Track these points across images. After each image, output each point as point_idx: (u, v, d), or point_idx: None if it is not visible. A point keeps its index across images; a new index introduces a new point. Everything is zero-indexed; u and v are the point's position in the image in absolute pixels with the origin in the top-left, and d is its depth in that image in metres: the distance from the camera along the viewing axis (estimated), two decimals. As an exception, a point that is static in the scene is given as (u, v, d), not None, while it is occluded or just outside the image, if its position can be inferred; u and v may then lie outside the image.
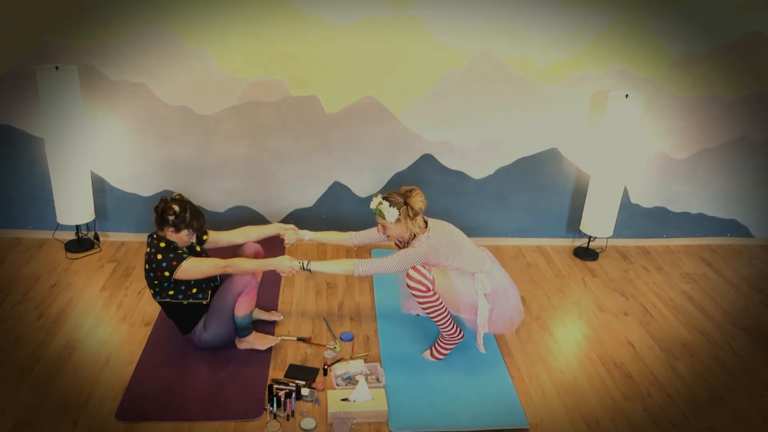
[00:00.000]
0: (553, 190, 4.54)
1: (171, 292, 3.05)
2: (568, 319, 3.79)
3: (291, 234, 3.40)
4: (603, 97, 4.23)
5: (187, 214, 2.98)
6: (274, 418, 2.85)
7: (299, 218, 4.41)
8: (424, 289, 3.01)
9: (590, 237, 4.56)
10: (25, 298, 3.63)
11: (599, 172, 4.26)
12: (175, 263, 2.96)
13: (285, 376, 3.11)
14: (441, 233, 3.10)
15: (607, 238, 4.55)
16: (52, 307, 3.56)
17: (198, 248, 3.22)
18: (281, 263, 3.10)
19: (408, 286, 3.03)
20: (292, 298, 3.79)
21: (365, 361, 3.26)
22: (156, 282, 3.02)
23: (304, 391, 2.97)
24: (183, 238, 3.02)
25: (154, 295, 3.09)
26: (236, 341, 3.26)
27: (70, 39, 3.82)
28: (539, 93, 4.22)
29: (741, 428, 3.00)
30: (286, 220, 4.41)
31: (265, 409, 2.88)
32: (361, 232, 3.42)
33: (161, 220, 3.00)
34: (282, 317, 3.56)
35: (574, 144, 4.41)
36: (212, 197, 4.33)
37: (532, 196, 4.54)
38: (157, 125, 4.09)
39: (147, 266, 3.02)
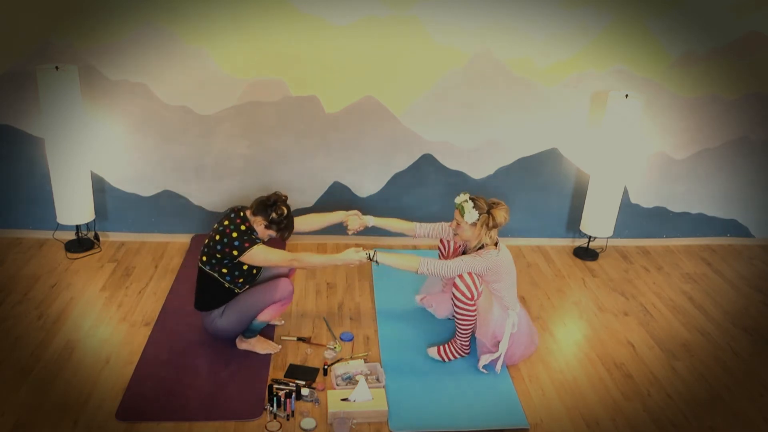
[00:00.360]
0: (553, 190, 4.54)
1: (224, 270, 3.05)
2: (568, 319, 3.79)
3: (354, 219, 3.41)
4: (603, 97, 4.23)
5: (286, 222, 3.04)
6: (274, 418, 2.85)
7: (299, 218, 4.42)
8: (468, 296, 3.06)
9: (590, 237, 4.56)
10: (25, 298, 3.63)
11: (599, 172, 4.26)
12: (247, 245, 2.98)
13: (285, 376, 3.11)
14: (507, 257, 3.15)
15: (607, 238, 4.55)
16: (52, 307, 3.56)
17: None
18: (349, 256, 3.10)
19: (455, 285, 3.07)
20: (292, 298, 3.79)
21: (365, 361, 3.26)
22: (218, 255, 3.01)
23: (304, 391, 2.97)
24: (265, 234, 3.07)
25: (205, 264, 3.07)
26: (238, 340, 3.26)
27: (70, 39, 3.82)
28: (539, 93, 4.22)
29: (741, 428, 3.00)
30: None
31: (265, 409, 2.88)
32: (426, 225, 3.44)
33: (263, 209, 3.02)
34: (283, 322, 3.56)
35: (574, 144, 4.41)
36: (212, 197, 4.33)
37: (532, 196, 4.54)
38: (157, 125, 4.09)
39: (217, 237, 3.01)
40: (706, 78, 4.29)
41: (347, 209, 4.38)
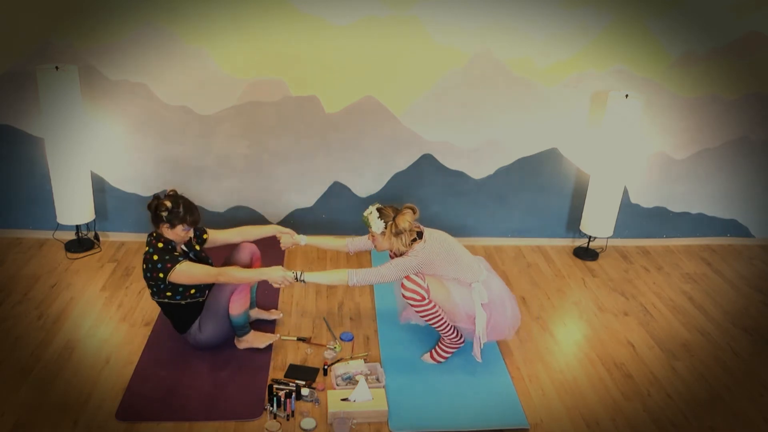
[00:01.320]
0: (553, 190, 4.54)
1: (168, 293, 3.05)
2: (568, 319, 3.79)
3: (287, 238, 3.40)
4: (603, 97, 4.23)
5: (180, 209, 2.97)
6: (274, 418, 2.85)
7: (299, 218, 4.42)
8: (419, 298, 3.00)
9: (590, 237, 4.56)
10: (25, 298, 3.63)
11: (599, 172, 4.26)
12: (169, 266, 2.95)
13: (285, 376, 3.11)
14: (436, 244, 3.09)
15: (607, 238, 4.55)
16: (52, 307, 3.56)
17: (197, 247, 3.23)
18: (274, 273, 3.04)
19: (403, 296, 3.02)
20: (292, 298, 3.79)
21: (365, 361, 3.26)
22: (152, 283, 3.02)
23: (304, 391, 2.97)
24: (179, 233, 3.01)
25: (152, 295, 3.09)
26: (235, 341, 3.26)
27: (70, 39, 3.82)
28: (539, 93, 4.22)
29: (741, 428, 3.00)
30: (286, 220, 4.41)
31: (265, 409, 2.88)
32: (358, 239, 3.42)
33: (155, 217, 3.00)
34: (282, 315, 3.56)
35: (574, 144, 4.41)
36: (212, 197, 4.34)
37: (532, 196, 4.54)
38: (157, 125, 4.09)
39: (144, 266, 3.02)
40: (706, 78, 4.29)
41: (347, 209, 4.43)
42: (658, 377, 3.30)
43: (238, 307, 3.13)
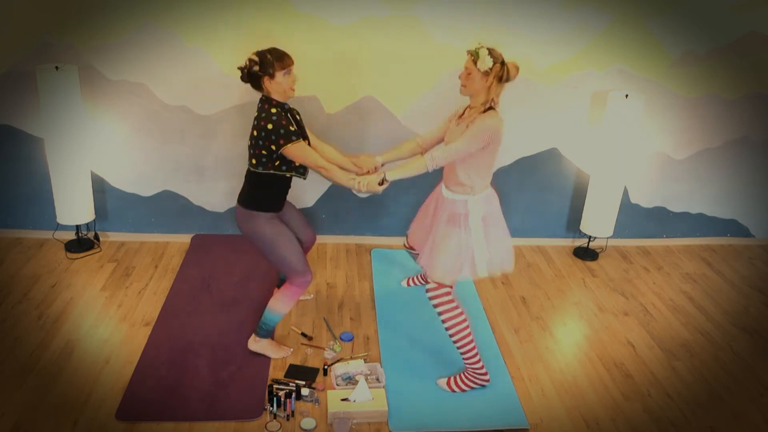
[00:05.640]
0: (553, 190, 4.54)
1: (278, 163, 2.97)
2: (568, 319, 3.79)
3: (367, 160, 3.25)
4: (603, 97, 4.23)
5: (269, 56, 2.90)
6: (274, 418, 2.85)
7: (299, 218, 4.42)
8: (444, 292, 2.93)
9: (590, 237, 4.56)
10: (25, 298, 3.63)
11: (599, 172, 4.26)
12: (282, 141, 2.87)
13: (285, 376, 3.11)
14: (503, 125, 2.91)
15: (607, 238, 4.55)
16: (52, 307, 3.56)
17: (298, 116, 3.15)
18: (371, 187, 2.90)
19: (432, 300, 2.97)
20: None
21: (365, 361, 3.26)
22: (264, 152, 2.93)
23: (304, 391, 2.97)
24: (282, 82, 2.92)
25: (257, 165, 2.99)
26: (251, 339, 3.24)
27: (70, 39, 3.82)
28: (539, 93, 4.21)
29: (741, 428, 3.00)
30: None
31: (265, 409, 2.89)
32: (426, 135, 3.24)
33: (254, 79, 2.94)
34: (312, 296, 3.52)
35: (574, 144, 4.41)
36: (212, 197, 4.33)
37: (532, 196, 4.54)
38: (157, 125, 4.09)
39: (255, 132, 2.93)
40: (706, 78, 4.29)
41: (347, 209, 4.42)
42: (658, 377, 3.30)
43: (280, 305, 3.11)
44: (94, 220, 4.20)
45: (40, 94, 3.70)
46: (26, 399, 2.87)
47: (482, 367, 3.06)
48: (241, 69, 2.96)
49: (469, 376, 3.08)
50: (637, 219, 4.69)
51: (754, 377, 3.35)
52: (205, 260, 4.10)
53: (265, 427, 2.79)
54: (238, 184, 4.28)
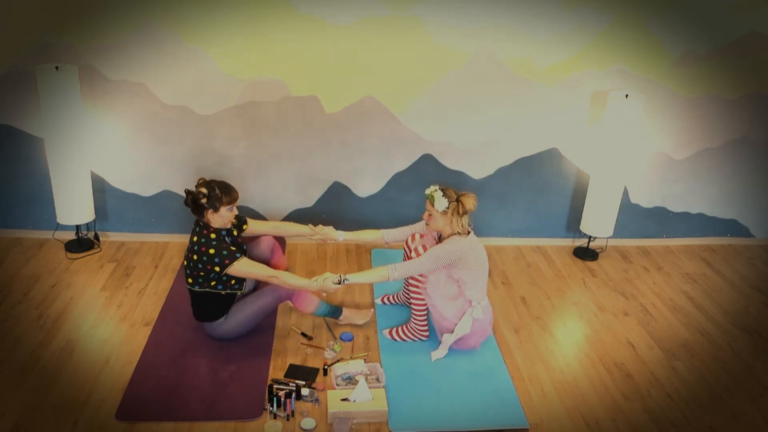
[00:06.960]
0: (553, 190, 4.54)
1: (213, 283, 3.10)
2: (568, 319, 3.79)
3: (330, 229, 3.53)
4: (603, 97, 4.23)
5: (217, 191, 3.03)
6: (274, 418, 2.85)
7: (299, 218, 4.41)
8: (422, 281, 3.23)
9: (590, 237, 4.56)
10: (25, 298, 3.63)
11: (599, 172, 4.26)
12: (227, 262, 3.02)
13: (285, 376, 3.11)
14: (478, 246, 3.22)
15: (607, 238, 4.55)
16: (52, 307, 3.56)
17: (235, 232, 3.30)
18: (327, 285, 3.14)
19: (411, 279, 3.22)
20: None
21: (365, 361, 3.26)
22: (202, 274, 3.06)
23: (304, 391, 2.97)
24: (225, 215, 3.07)
25: (193, 284, 3.12)
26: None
27: (70, 39, 3.82)
28: (539, 93, 4.22)
29: (741, 428, 3.00)
30: (285, 220, 4.41)
31: (265, 409, 2.88)
32: (393, 230, 3.54)
33: (198, 208, 3.04)
34: (372, 311, 3.61)
35: (574, 144, 4.41)
36: (212, 197, 4.33)
37: (532, 196, 4.54)
38: (157, 125, 4.09)
39: (195, 257, 3.04)
40: (706, 78, 4.29)
41: (347, 209, 4.42)
42: (658, 377, 3.30)
43: (307, 305, 3.29)
44: (94, 220, 4.20)
45: (40, 94, 3.70)
46: (26, 399, 2.87)
47: (425, 326, 3.39)
48: (187, 194, 3.05)
49: (412, 329, 3.40)
50: (637, 219, 4.69)
51: (754, 377, 3.35)
52: (205, 260, 4.10)
53: (265, 427, 2.79)
54: (237, 184, 4.28)
